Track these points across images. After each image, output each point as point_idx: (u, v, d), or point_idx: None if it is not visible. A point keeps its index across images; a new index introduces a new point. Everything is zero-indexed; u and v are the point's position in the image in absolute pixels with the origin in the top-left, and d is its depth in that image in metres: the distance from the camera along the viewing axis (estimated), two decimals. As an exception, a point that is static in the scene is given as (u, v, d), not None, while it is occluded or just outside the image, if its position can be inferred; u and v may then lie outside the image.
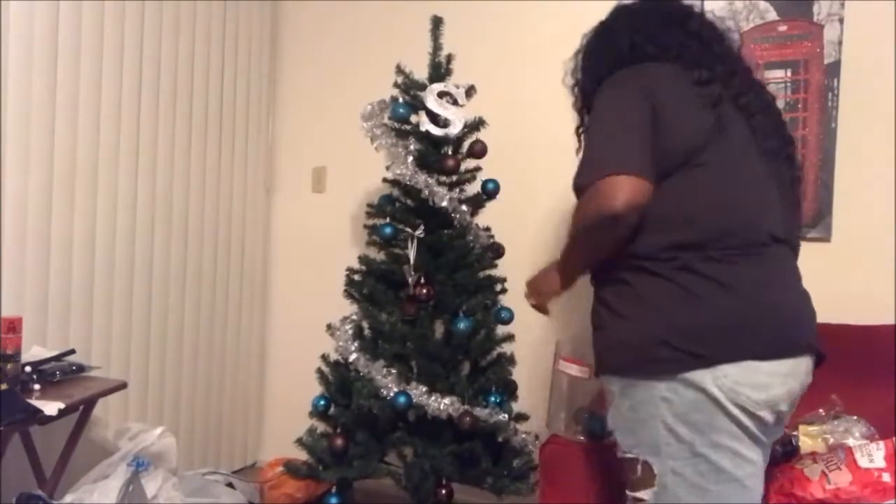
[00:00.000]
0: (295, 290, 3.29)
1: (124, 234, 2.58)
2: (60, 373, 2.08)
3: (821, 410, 1.90)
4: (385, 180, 2.54)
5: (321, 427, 2.54)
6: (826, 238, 2.32)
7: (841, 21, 2.34)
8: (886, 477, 1.80)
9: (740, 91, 1.43)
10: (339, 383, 2.49)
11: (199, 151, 2.90)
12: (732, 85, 1.42)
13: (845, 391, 1.87)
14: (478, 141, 2.48)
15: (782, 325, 1.33)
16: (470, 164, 2.50)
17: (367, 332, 2.48)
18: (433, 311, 2.45)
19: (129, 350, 2.63)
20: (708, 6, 2.49)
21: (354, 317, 2.50)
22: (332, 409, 2.51)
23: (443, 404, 2.30)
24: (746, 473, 1.31)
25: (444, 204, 2.37)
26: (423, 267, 2.43)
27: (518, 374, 2.53)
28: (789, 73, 2.40)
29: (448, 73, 2.52)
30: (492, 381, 2.45)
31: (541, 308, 1.63)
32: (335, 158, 3.19)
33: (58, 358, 2.14)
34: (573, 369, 1.64)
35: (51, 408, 1.84)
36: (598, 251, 1.38)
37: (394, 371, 2.34)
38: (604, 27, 1.57)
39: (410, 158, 2.41)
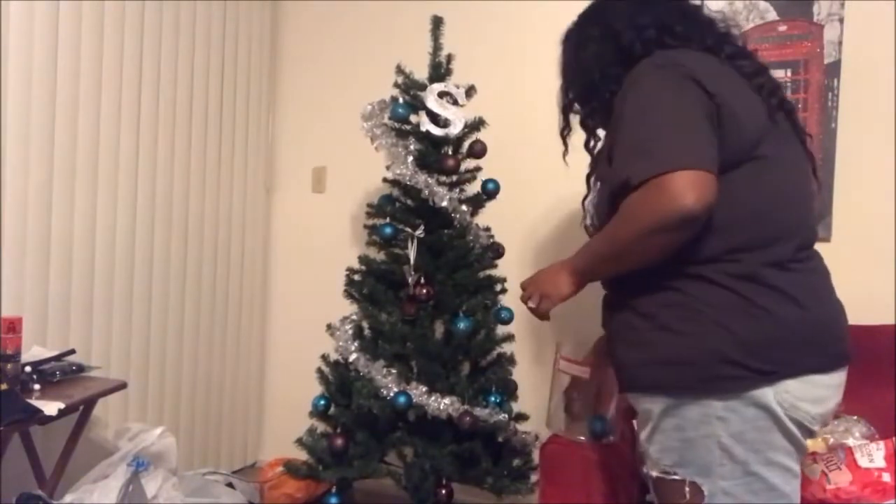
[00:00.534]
0: (295, 290, 3.29)
1: (124, 234, 2.58)
2: (60, 373, 2.08)
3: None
4: (385, 180, 2.54)
5: (321, 427, 2.54)
6: (826, 238, 2.32)
7: (841, 21, 2.34)
8: (886, 477, 1.80)
9: (775, 86, 1.34)
10: (339, 383, 2.49)
11: (199, 151, 2.90)
12: (770, 78, 1.34)
13: (845, 391, 1.87)
14: (478, 141, 2.48)
15: (835, 336, 1.28)
16: (470, 164, 2.50)
17: (367, 332, 2.48)
18: (433, 311, 2.45)
19: (129, 350, 2.63)
20: (707, 6, 2.50)
21: (354, 317, 2.50)
22: (332, 409, 2.51)
23: (443, 404, 2.30)
24: (793, 489, 1.26)
25: (444, 204, 2.37)
26: (423, 267, 2.43)
27: (518, 374, 2.53)
28: (789, 73, 2.40)
29: (448, 73, 2.52)
30: (492, 381, 2.45)
31: (540, 313, 1.46)
32: (335, 158, 3.19)
33: (58, 358, 2.14)
34: (574, 369, 1.64)
35: (51, 408, 1.84)
36: (653, 256, 1.22)
37: (394, 371, 2.34)
38: (593, 20, 1.45)
39: (410, 158, 2.41)
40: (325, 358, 2.55)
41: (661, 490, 1.30)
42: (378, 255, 2.54)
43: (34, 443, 2.12)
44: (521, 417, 2.49)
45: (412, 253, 2.42)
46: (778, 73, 2.41)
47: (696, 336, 1.21)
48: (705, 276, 1.22)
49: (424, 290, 2.40)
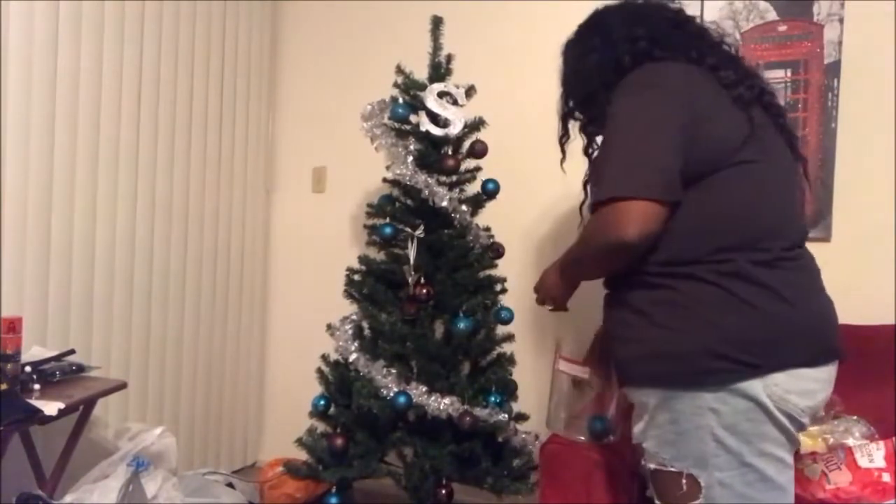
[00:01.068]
0: (295, 290, 3.29)
1: (124, 234, 2.58)
2: (60, 373, 2.08)
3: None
4: (385, 180, 2.54)
5: (321, 427, 2.54)
6: (826, 238, 2.32)
7: (841, 21, 2.34)
8: (886, 477, 1.80)
9: (762, 90, 1.40)
10: (339, 383, 2.49)
11: (199, 151, 2.90)
12: (754, 85, 1.39)
13: (845, 391, 1.86)
14: (478, 141, 2.48)
15: (824, 331, 1.33)
16: (470, 164, 2.50)
17: (367, 332, 2.48)
18: (433, 311, 2.45)
19: (129, 350, 2.63)
20: (708, 6, 2.51)
21: (354, 317, 2.50)
22: (332, 409, 2.51)
23: (443, 404, 2.30)
24: (787, 479, 1.30)
25: (444, 204, 2.37)
26: (423, 267, 2.43)
27: (518, 374, 2.53)
28: (789, 73, 2.40)
29: (448, 73, 2.52)
30: (492, 381, 2.45)
31: (557, 308, 1.64)
32: (335, 158, 3.19)
33: (58, 358, 2.14)
34: (573, 369, 1.64)
35: (51, 408, 1.84)
36: (604, 272, 1.38)
37: (394, 371, 2.34)
38: (594, 30, 1.52)
39: (410, 158, 2.41)
40: (325, 358, 2.55)
41: (659, 482, 1.34)
42: (378, 255, 2.54)
43: (34, 443, 2.12)
44: (521, 417, 2.49)
45: (412, 253, 2.42)
46: (778, 74, 2.41)
47: (687, 331, 1.27)
48: (695, 275, 1.28)
49: (424, 290, 2.40)
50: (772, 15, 2.43)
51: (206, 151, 2.93)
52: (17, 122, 2.20)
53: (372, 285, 2.49)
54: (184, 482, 2.29)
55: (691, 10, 2.48)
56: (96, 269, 2.48)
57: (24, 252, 2.24)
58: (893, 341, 2.06)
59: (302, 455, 2.54)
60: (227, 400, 3.12)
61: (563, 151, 1.63)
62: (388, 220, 2.47)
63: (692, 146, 1.26)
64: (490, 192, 2.49)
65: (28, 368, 1.99)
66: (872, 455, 1.84)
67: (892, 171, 2.29)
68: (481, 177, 2.51)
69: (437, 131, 2.41)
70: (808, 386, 1.28)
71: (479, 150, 2.47)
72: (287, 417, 2.96)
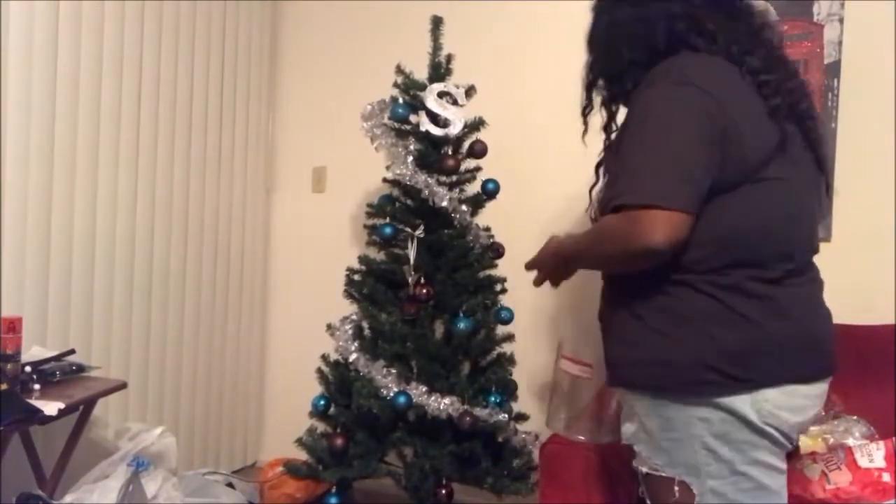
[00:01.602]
0: (295, 290, 3.29)
1: (124, 234, 2.58)
2: (60, 373, 2.08)
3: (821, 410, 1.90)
4: (385, 180, 2.54)
5: (321, 427, 2.54)
6: (826, 238, 2.32)
7: (841, 21, 2.34)
8: (886, 477, 1.80)
9: (797, 97, 1.33)
10: (339, 383, 2.49)
11: (199, 151, 2.90)
12: (792, 90, 1.32)
13: (845, 391, 1.87)
14: (478, 141, 2.48)
15: (821, 348, 1.31)
16: (470, 164, 2.50)
17: (367, 332, 2.48)
18: (433, 311, 2.45)
19: (129, 350, 2.63)
20: None
21: (354, 317, 2.50)
22: (332, 409, 2.51)
23: (443, 404, 2.30)
24: (780, 485, 1.29)
25: (444, 204, 2.37)
26: (423, 267, 2.43)
27: (518, 374, 2.53)
28: (789, 73, 2.40)
29: (448, 73, 2.52)
30: (492, 381, 2.45)
31: (552, 282, 1.55)
32: (335, 158, 3.19)
33: (58, 358, 2.14)
34: (575, 368, 1.64)
35: (51, 408, 1.84)
36: (618, 269, 1.33)
37: (394, 371, 2.34)
38: (631, 2, 1.39)
39: (410, 158, 2.41)
40: (325, 358, 2.55)
41: (652, 487, 1.33)
42: (378, 255, 2.54)
43: (34, 443, 2.12)
44: (521, 417, 2.49)
45: (412, 253, 2.42)
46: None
47: (680, 340, 1.25)
48: (693, 285, 1.25)
49: (424, 290, 2.40)
50: (772, 15, 2.43)
51: (206, 151, 2.93)
52: (17, 121, 2.20)
53: (372, 285, 2.49)
54: (184, 482, 2.29)
55: (691, 10, 2.49)
56: (96, 269, 2.48)
57: (24, 252, 2.24)
58: (893, 341, 2.06)
59: (302, 455, 2.54)
60: (227, 400, 3.12)
61: (586, 123, 1.52)
62: (388, 220, 2.47)
63: (719, 163, 1.22)
64: (490, 192, 2.49)
65: (28, 368, 1.99)
66: (872, 455, 1.84)
67: (892, 172, 2.29)
68: (481, 177, 2.51)
69: (437, 131, 2.41)
70: (799, 402, 1.26)
71: (479, 150, 2.47)
72: (287, 417, 2.95)
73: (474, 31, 2.83)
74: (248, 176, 3.18)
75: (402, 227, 2.44)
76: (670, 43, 1.31)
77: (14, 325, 1.96)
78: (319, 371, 2.55)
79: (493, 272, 2.52)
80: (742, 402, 1.22)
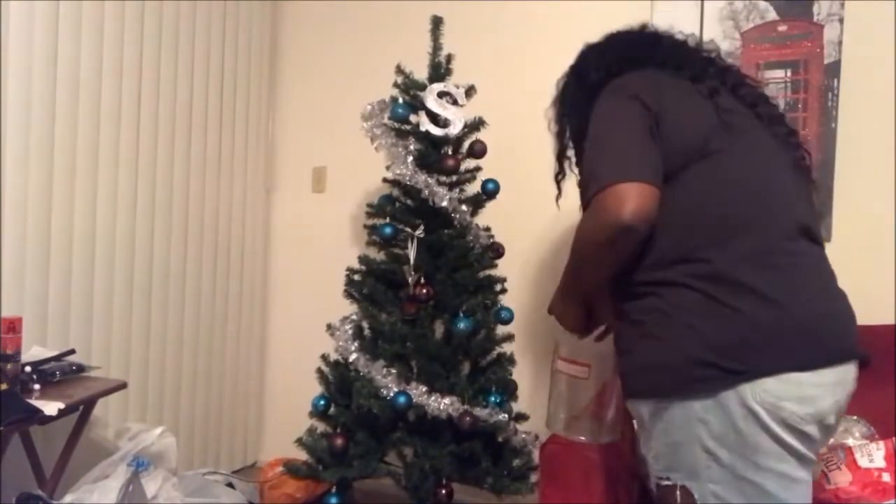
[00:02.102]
0: (295, 290, 3.29)
1: (124, 233, 2.58)
2: (60, 373, 2.08)
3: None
4: (385, 180, 2.54)
5: (321, 427, 2.54)
6: (826, 238, 2.32)
7: (841, 21, 2.34)
8: (886, 477, 1.80)
9: (737, 83, 1.40)
10: (339, 383, 2.49)
11: (199, 151, 2.90)
12: (728, 79, 1.40)
13: (845, 391, 1.87)
14: (478, 141, 2.48)
15: (824, 331, 1.25)
16: (470, 164, 2.50)
17: (367, 332, 2.48)
18: (433, 311, 2.45)
19: (129, 350, 2.63)
20: (708, 6, 2.51)
21: (354, 317, 2.50)
22: (332, 409, 2.51)
23: (443, 404, 2.30)
24: (795, 495, 1.23)
25: (444, 204, 2.38)
26: (423, 267, 2.43)
27: (518, 374, 2.53)
28: (789, 73, 2.40)
29: (448, 73, 2.52)
30: (492, 381, 2.45)
31: (583, 335, 1.56)
32: (335, 158, 3.19)
33: (58, 358, 2.14)
34: (572, 369, 1.63)
35: (51, 408, 1.84)
36: (604, 270, 1.31)
37: (394, 371, 2.34)
38: (575, 66, 1.55)
39: (410, 158, 2.41)
40: (325, 358, 2.55)
41: (661, 495, 1.31)
42: (378, 255, 2.54)
43: (34, 443, 2.12)
44: (521, 417, 2.49)
45: (412, 253, 2.42)
46: (778, 74, 2.42)
47: (671, 340, 1.25)
48: (675, 281, 1.25)
49: (424, 290, 2.40)
50: (772, 15, 2.43)
51: (206, 151, 2.93)
52: (17, 122, 2.20)
53: (372, 285, 2.49)
54: (184, 482, 2.29)
55: (692, 10, 2.50)
56: (96, 269, 2.48)
57: (24, 252, 2.24)
58: (893, 341, 2.06)
59: (302, 455, 2.54)
60: (227, 400, 3.12)
61: (560, 188, 1.64)
62: (388, 220, 2.47)
63: (661, 143, 1.27)
64: (490, 192, 2.49)
65: (28, 368, 1.99)
66: (872, 455, 1.84)
67: (892, 172, 2.29)
68: (481, 177, 2.51)
69: (437, 131, 2.41)
70: (806, 392, 1.20)
71: (478, 150, 2.47)
72: (287, 417, 2.96)
73: (474, 31, 2.84)
74: (248, 176, 3.18)
75: (402, 227, 2.45)
76: (603, 78, 1.41)
77: (14, 325, 1.96)
78: (319, 371, 2.55)
79: (493, 272, 2.52)
80: (743, 394, 1.19)
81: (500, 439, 2.43)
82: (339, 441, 2.40)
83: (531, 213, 2.77)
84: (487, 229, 2.51)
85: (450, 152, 2.47)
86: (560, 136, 1.59)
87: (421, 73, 2.51)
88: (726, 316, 1.21)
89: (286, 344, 3.30)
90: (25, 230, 2.24)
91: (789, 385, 1.20)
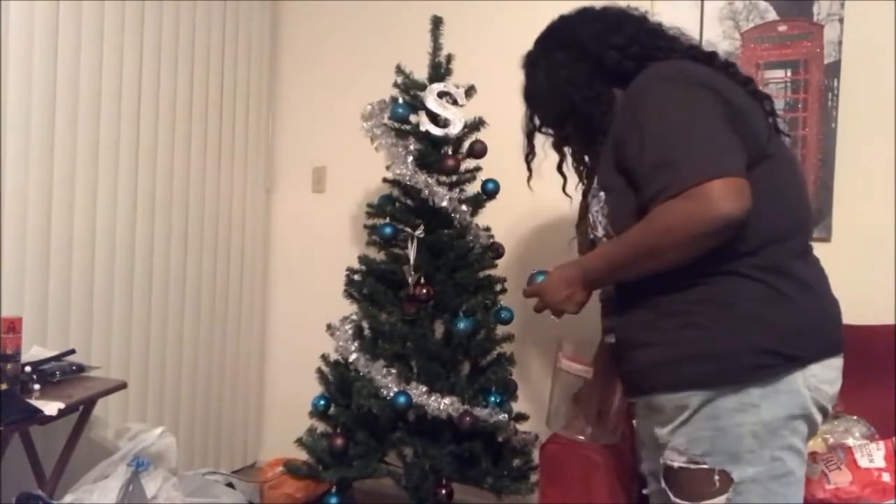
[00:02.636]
0: (295, 290, 3.29)
1: (124, 234, 2.58)
2: (60, 373, 2.08)
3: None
4: (385, 180, 2.54)
5: (321, 427, 2.54)
6: (826, 238, 2.32)
7: (841, 21, 2.34)
8: (886, 477, 1.80)
9: (747, 79, 1.41)
10: (339, 383, 2.49)
11: (199, 151, 2.90)
12: (755, 85, 1.41)
13: (845, 391, 1.86)
14: (478, 141, 2.48)
15: (839, 320, 1.36)
16: (470, 164, 2.50)
17: (367, 332, 2.48)
18: (433, 311, 2.45)
19: (129, 350, 2.63)
20: (708, 6, 2.51)
21: (354, 317, 2.50)
22: (332, 409, 2.51)
23: (443, 404, 2.30)
24: (803, 472, 1.31)
25: (444, 204, 2.37)
26: (423, 267, 2.43)
27: (518, 374, 2.53)
28: (789, 73, 2.40)
29: (448, 73, 2.52)
30: (492, 381, 2.45)
31: (555, 311, 1.51)
32: (335, 158, 3.19)
33: (58, 358, 2.14)
34: (575, 368, 1.63)
35: (51, 408, 1.84)
36: (686, 260, 1.24)
37: (394, 371, 2.34)
38: (560, 44, 1.50)
39: (410, 158, 2.41)
40: (325, 358, 2.55)
41: (686, 480, 1.29)
42: (378, 255, 2.54)
43: (34, 443, 2.12)
44: (521, 417, 2.49)
45: (412, 253, 2.42)
46: (778, 74, 2.41)
47: (731, 329, 1.25)
48: (737, 271, 1.26)
49: (424, 290, 2.40)
50: (772, 15, 2.43)
51: (206, 151, 2.93)
52: (17, 122, 2.20)
53: (372, 285, 2.49)
54: (184, 482, 2.29)
55: (692, 10, 2.50)
56: (96, 269, 2.48)
57: (24, 252, 2.24)
58: (893, 341, 2.06)
59: (302, 455, 2.54)
60: (227, 400, 3.12)
61: (530, 169, 1.65)
62: (388, 220, 2.47)
63: (739, 138, 1.25)
64: (490, 192, 2.49)
65: (28, 368, 1.99)
66: (872, 455, 1.84)
67: (893, 172, 2.29)
68: (481, 177, 2.51)
69: (437, 131, 2.41)
70: (833, 375, 1.31)
71: (478, 150, 2.47)
72: (287, 417, 2.95)
73: (474, 31, 2.83)
74: (248, 176, 3.18)
75: (402, 227, 2.44)
76: (636, 64, 1.36)
77: (14, 325, 1.96)
78: (319, 371, 2.55)
79: (493, 272, 2.52)
80: (797, 380, 1.25)
81: (500, 439, 2.43)
82: (339, 441, 2.40)
83: (531, 213, 2.77)
84: (487, 229, 2.51)
85: (450, 152, 2.47)
86: (540, 113, 1.58)
87: (421, 73, 2.50)
88: (785, 306, 1.25)
89: (286, 344, 3.30)
90: (25, 230, 2.24)
91: (828, 369, 1.29)
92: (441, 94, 2.43)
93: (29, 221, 2.25)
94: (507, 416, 2.40)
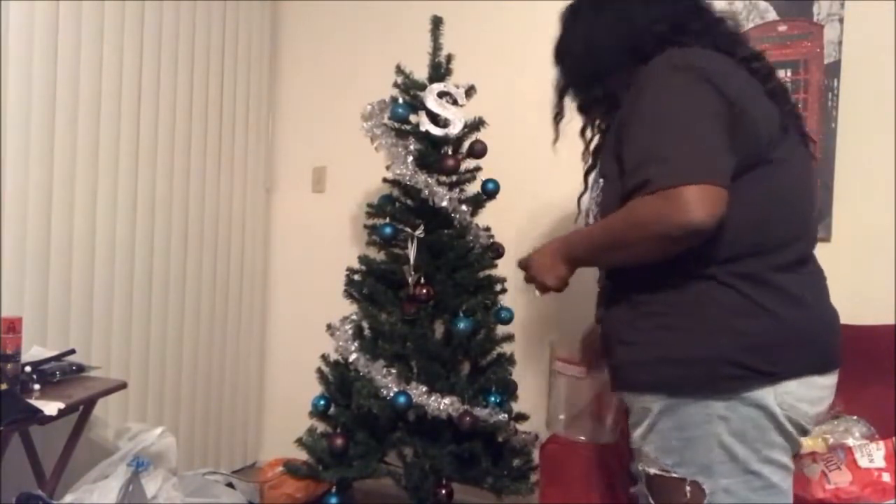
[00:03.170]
0: (295, 290, 3.29)
1: (124, 234, 2.58)
2: (60, 373, 2.08)
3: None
4: (385, 180, 2.54)
5: (321, 427, 2.54)
6: (826, 238, 2.32)
7: (841, 21, 2.34)
8: (886, 477, 1.80)
9: (784, 88, 1.35)
10: (339, 383, 2.49)
11: (199, 151, 2.90)
12: (779, 82, 1.34)
13: (845, 391, 1.86)
14: (478, 141, 2.48)
15: (835, 336, 1.30)
16: (470, 164, 2.50)
17: (367, 332, 2.48)
18: (433, 311, 2.45)
19: (129, 350, 2.63)
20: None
21: (354, 317, 2.50)
22: (332, 409, 2.51)
23: (443, 404, 2.30)
24: (789, 484, 1.27)
25: (444, 204, 2.37)
26: (423, 267, 2.43)
27: (518, 374, 2.53)
28: (789, 73, 2.40)
29: (448, 73, 2.52)
30: (492, 381, 2.45)
31: (540, 287, 1.45)
32: (335, 158, 3.19)
33: (58, 358, 2.14)
34: (569, 370, 1.64)
35: (51, 408, 1.84)
36: (650, 258, 1.23)
37: (394, 371, 2.34)
38: (606, 4, 1.41)
39: (410, 158, 2.41)
40: (325, 358, 2.55)
41: (660, 488, 1.29)
42: (378, 255, 2.54)
43: (34, 443, 2.12)
44: (521, 417, 2.49)
45: (412, 253, 2.42)
46: (778, 74, 2.41)
47: (701, 335, 1.22)
48: (713, 276, 1.22)
49: (424, 290, 2.40)
50: (772, 15, 2.43)
51: (206, 151, 2.93)
52: (17, 122, 2.20)
53: (372, 285, 2.49)
54: (184, 482, 2.29)
55: (691, 10, 2.49)
56: (96, 269, 2.48)
57: (24, 252, 2.24)
58: (893, 341, 2.06)
59: (302, 455, 2.54)
60: (227, 400, 3.12)
61: (557, 131, 1.53)
62: (388, 220, 2.47)
63: (736, 144, 1.20)
64: (490, 192, 2.49)
65: (28, 368, 1.99)
66: (872, 455, 1.84)
67: (893, 172, 2.29)
68: (481, 177, 2.51)
69: (437, 131, 2.41)
70: (817, 394, 1.25)
71: (478, 150, 2.47)
72: (287, 417, 2.95)
73: (474, 31, 2.84)
74: (248, 176, 3.18)
75: (402, 227, 2.45)
76: (655, 45, 1.30)
77: (14, 325, 1.96)
78: (319, 371, 2.55)
79: (493, 272, 2.52)
80: (766, 396, 1.20)
81: (500, 439, 2.43)
82: (339, 441, 2.40)
83: (531, 213, 2.77)
84: (487, 229, 2.51)
85: (450, 152, 2.47)
86: (568, 70, 1.47)
87: (421, 73, 2.50)
88: (761, 317, 1.21)
89: (286, 344, 3.30)
90: (25, 230, 2.24)
91: (807, 388, 1.23)
92: (441, 94, 2.43)
93: (29, 221, 2.25)
94: (507, 416, 2.40)
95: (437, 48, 2.51)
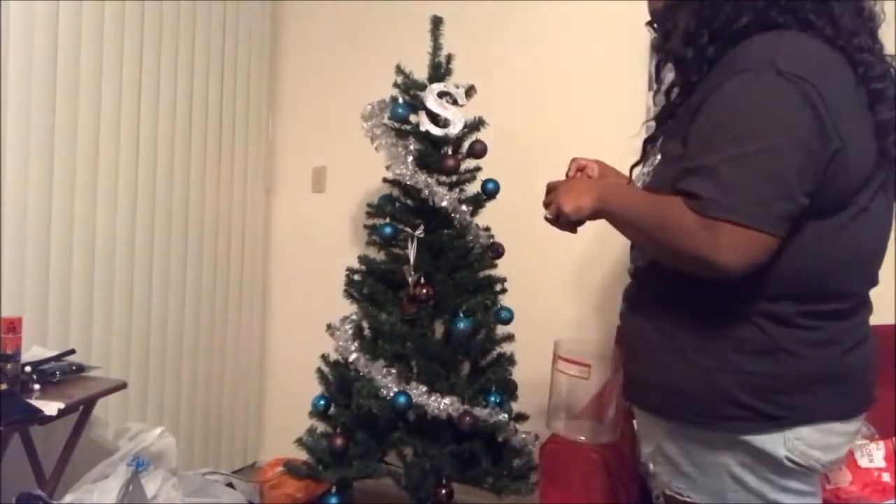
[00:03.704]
0: (295, 290, 3.29)
1: (124, 234, 2.58)
2: (60, 373, 2.08)
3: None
4: (385, 180, 2.54)
5: (321, 427, 2.54)
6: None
7: None
8: (886, 477, 1.80)
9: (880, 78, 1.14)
10: (339, 383, 2.49)
11: (199, 151, 2.90)
12: (890, 106, 1.14)
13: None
14: (478, 141, 2.48)
15: (861, 380, 1.19)
16: (470, 164, 2.50)
17: (367, 332, 2.48)
18: (433, 311, 2.45)
19: (129, 350, 2.63)
20: (708, 6, 2.50)
21: (354, 317, 2.50)
22: (332, 409, 2.51)
23: (443, 404, 2.30)
24: None
25: (444, 204, 2.38)
26: (423, 267, 2.43)
27: (518, 374, 2.53)
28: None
29: (448, 73, 2.52)
30: (492, 381, 2.45)
31: (559, 226, 1.31)
32: (335, 158, 3.19)
33: (58, 358, 2.14)
34: (572, 369, 1.63)
35: (51, 408, 1.84)
36: (666, 263, 1.15)
37: (394, 371, 2.34)
38: None
39: (410, 158, 2.41)
40: (325, 358, 2.55)
41: None
42: (378, 255, 2.54)
43: (34, 443, 2.12)
44: (521, 417, 2.49)
45: (412, 253, 2.42)
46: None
47: (708, 370, 1.14)
48: (739, 311, 1.13)
49: (424, 290, 2.40)
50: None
51: (206, 152, 2.93)
52: (17, 122, 2.20)
53: (372, 285, 2.49)
54: (184, 482, 2.29)
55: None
56: (96, 269, 2.48)
57: (24, 252, 2.24)
58: (893, 341, 2.06)
59: (302, 455, 2.54)
60: (227, 400, 3.12)
61: (659, 81, 1.30)
62: (388, 220, 2.47)
63: (820, 183, 1.06)
64: (490, 192, 2.49)
65: (28, 368, 1.99)
66: (872, 455, 1.84)
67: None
68: (481, 177, 2.51)
69: (437, 131, 2.41)
70: (834, 441, 1.15)
71: (478, 150, 2.47)
72: (287, 417, 2.95)
73: (474, 31, 2.83)
74: (248, 176, 3.18)
75: (402, 227, 2.45)
76: (755, 21, 1.11)
77: (14, 325, 1.96)
78: (319, 371, 2.55)
79: (493, 272, 2.52)
80: (772, 441, 1.12)
81: (500, 439, 2.43)
82: (339, 441, 2.40)
83: (531, 213, 2.76)
84: (487, 229, 2.51)
85: (450, 152, 2.47)
86: (665, 31, 1.23)
87: (421, 73, 2.50)
88: (777, 357, 1.11)
89: (286, 344, 3.30)
90: (25, 230, 2.24)
91: (823, 434, 1.14)
92: (441, 94, 2.43)
93: (29, 221, 2.25)
94: (507, 416, 2.40)
95: (437, 48, 2.51)
